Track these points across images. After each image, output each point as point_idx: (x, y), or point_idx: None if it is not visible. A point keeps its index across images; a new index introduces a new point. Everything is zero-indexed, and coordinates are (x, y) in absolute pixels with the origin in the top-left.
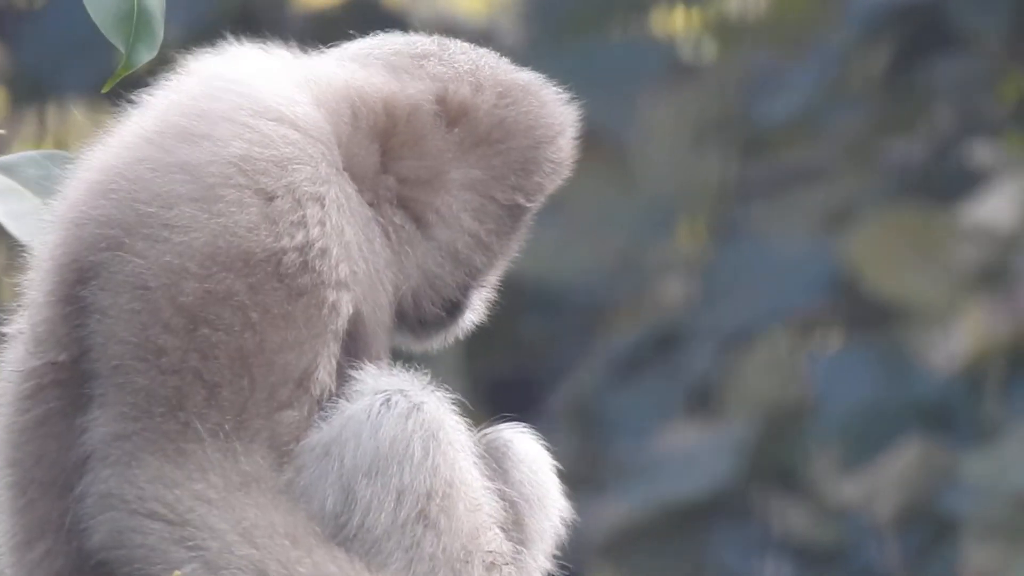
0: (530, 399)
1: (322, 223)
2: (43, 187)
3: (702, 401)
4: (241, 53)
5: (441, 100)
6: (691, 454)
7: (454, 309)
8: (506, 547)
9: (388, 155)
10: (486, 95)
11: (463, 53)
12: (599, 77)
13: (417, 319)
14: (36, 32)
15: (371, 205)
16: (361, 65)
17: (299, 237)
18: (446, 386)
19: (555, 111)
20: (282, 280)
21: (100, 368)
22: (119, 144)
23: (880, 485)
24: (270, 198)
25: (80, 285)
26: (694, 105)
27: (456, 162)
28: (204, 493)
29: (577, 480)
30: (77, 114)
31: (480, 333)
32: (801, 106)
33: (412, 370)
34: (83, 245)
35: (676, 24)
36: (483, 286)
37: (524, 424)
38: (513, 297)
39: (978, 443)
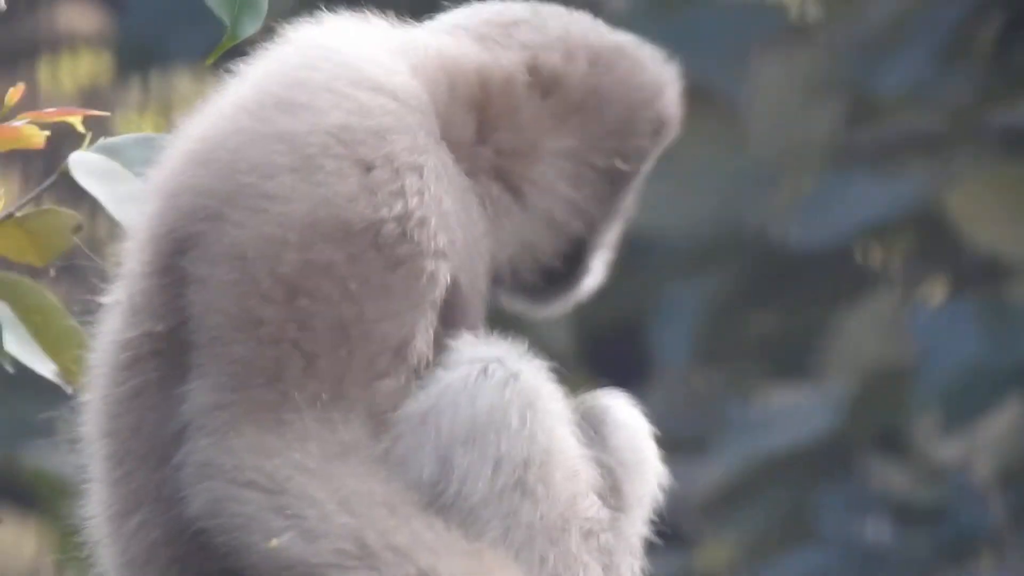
0: (636, 357)
1: (420, 193)
2: (145, 170)
3: (803, 358)
4: (340, 23)
5: (532, 69)
6: (791, 412)
7: (563, 276)
8: (604, 514)
9: (483, 126)
10: (578, 61)
11: (555, 19)
12: (706, 41)
13: (522, 286)
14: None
15: (467, 175)
16: (453, 36)
17: (398, 207)
18: (550, 347)
19: (652, 72)
20: (381, 250)
21: (198, 339)
22: (217, 114)
23: (981, 445)
24: (369, 168)
25: (178, 256)
26: (804, 66)
27: (552, 131)
28: (302, 462)
29: (679, 440)
30: (181, 83)
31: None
32: (912, 75)
33: (514, 335)
34: (181, 215)
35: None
36: (598, 250)
37: (624, 390)
38: (619, 253)
39: None
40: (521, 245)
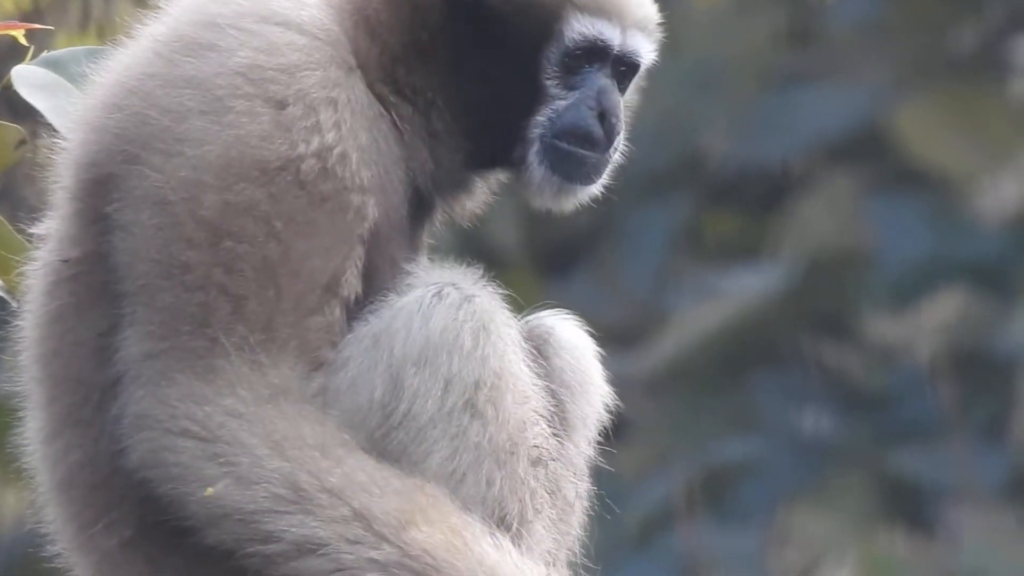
0: (583, 258)
1: (337, 126)
2: (88, 83)
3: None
4: None
5: None
6: (738, 288)
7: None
8: (552, 443)
9: (389, 47)
10: None
11: None
12: None
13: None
14: None
15: (380, 100)
16: None
17: (315, 143)
18: (502, 254)
19: None
20: (304, 187)
21: (128, 287)
22: (135, 53)
23: (924, 328)
24: (281, 106)
25: (98, 196)
26: None
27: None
28: (234, 408)
29: (623, 329)
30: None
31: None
32: (862, 9)
33: (466, 264)
34: (101, 152)
35: None
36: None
37: (566, 303)
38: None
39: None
40: (436, 162)
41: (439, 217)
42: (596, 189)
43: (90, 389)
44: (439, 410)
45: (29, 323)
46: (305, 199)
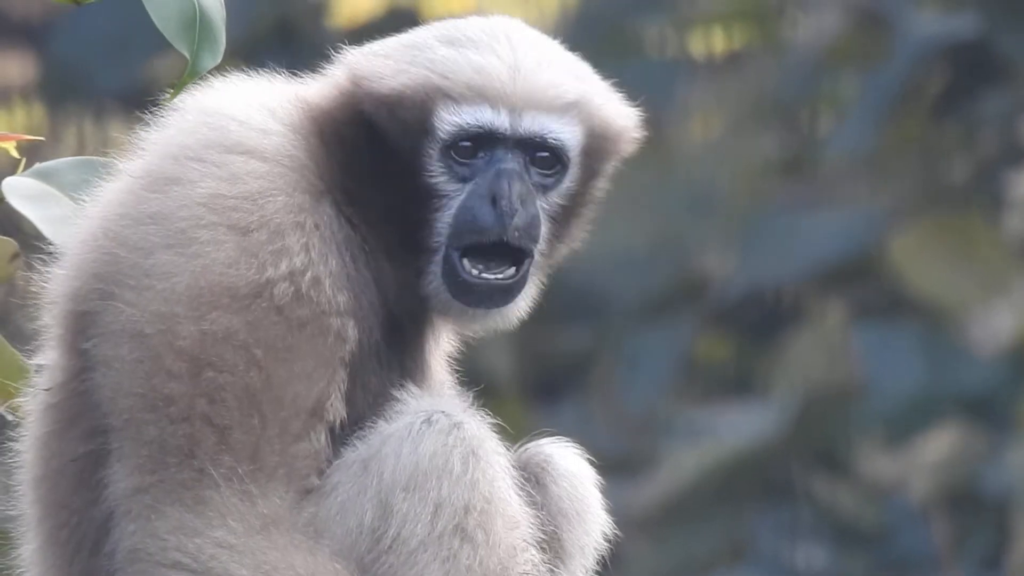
0: (575, 385)
1: (306, 249)
2: (80, 193)
3: (747, 377)
4: (227, 85)
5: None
6: (732, 428)
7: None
8: (543, 570)
9: (346, 169)
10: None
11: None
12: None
13: (439, 307)
14: (67, 36)
15: (349, 221)
16: (328, 79)
17: (283, 266)
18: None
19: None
20: (280, 313)
21: (113, 422)
22: (113, 189)
23: (918, 463)
24: (245, 232)
25: (78, 334)
26: (734, 92)
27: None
28: (225, 539)
29: (622, 458)
30: (114, 124)
31: (529, 320)
32: (856, 139)
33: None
34: (81, 289)
35: (718, 45)
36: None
37: (557, 429)
38: (555, 282)
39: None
40: (399, 279)
41: (439, 332)
42: (517, 310)
43: (70, 512)
44: (429, 534)
45: (24, 448)
46: (283, 325)
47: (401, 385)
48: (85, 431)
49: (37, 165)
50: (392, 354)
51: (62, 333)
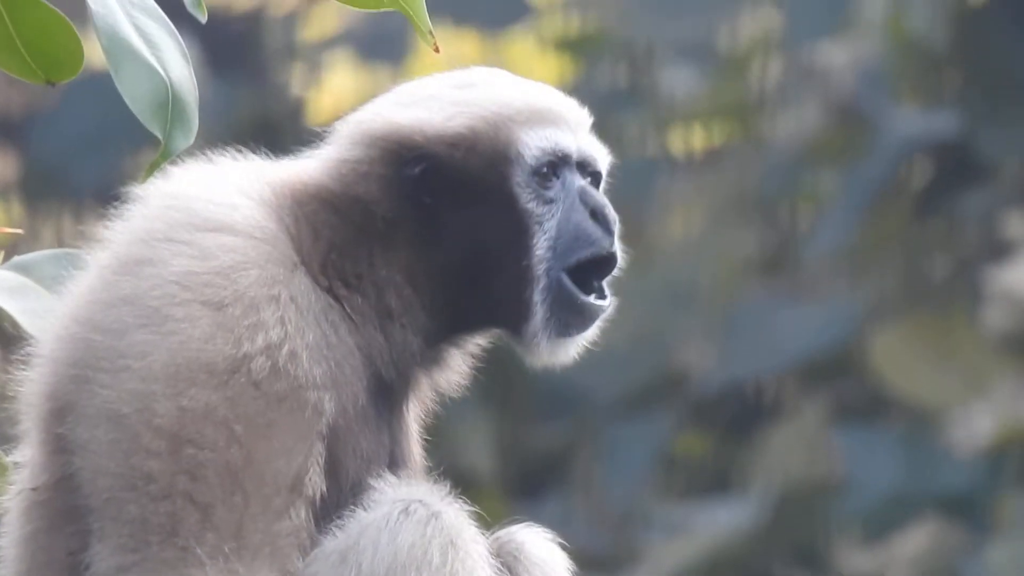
0: (558, 476)
1: (282, 322)
2: (58, 286)
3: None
4: (195, 167)
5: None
6: (711, 523)
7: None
8: None
9: (331, 242)
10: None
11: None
12: (617, 189)
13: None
14: (46, 133)
15: (328, 292)
16: (310, 158)
17: (260, 340)
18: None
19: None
20: (259, 388)
21: (93, 503)
22: (83, 281)
23: (896, 560)
24: (220, 307)
25: (57, 423)
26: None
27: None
28: None
29: (604, 555)
30: (91, 221)
31: (509, 415)
32: (836, 235)
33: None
34: (58, 383)
35: (698, 142)
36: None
37: (538, 524)
38: (535, 377)
39: (995, 530)
40: (391, 344)
41: (424, 390)
42: (591, 333)
43: None
44: None
45: (7, 545)
46: (262, 400)
47: (389, 451)
48: (80, 529)
49: (16, 258)
50: (380, 418)
51: (44, 430)
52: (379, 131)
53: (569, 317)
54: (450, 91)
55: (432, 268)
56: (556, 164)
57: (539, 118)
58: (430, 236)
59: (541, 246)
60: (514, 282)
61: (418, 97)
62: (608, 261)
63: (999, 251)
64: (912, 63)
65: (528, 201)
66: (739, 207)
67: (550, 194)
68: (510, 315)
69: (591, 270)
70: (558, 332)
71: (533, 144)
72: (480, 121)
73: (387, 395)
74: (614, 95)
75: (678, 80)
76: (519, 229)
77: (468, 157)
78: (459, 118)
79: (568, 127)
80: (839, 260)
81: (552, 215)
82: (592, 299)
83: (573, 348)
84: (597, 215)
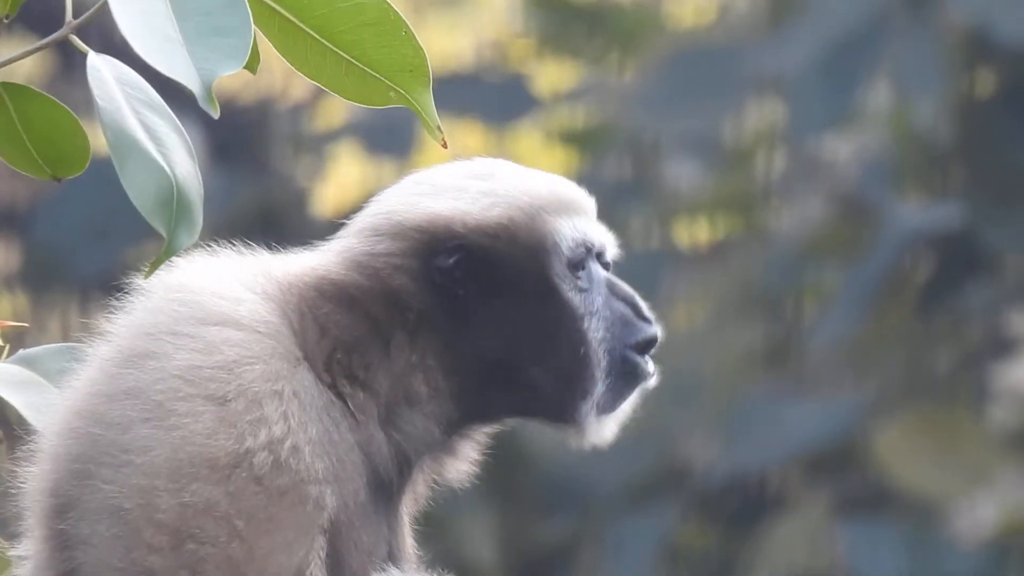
0: (561, 571)
1: (285, 418)
2: (63, 379)
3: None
4: (196, 260)
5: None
6: None
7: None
8: None
9: (335, 337)
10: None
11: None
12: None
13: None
14: (50, 223)
15: (330, 387)
16: (313, 252)
17: (263, 435)
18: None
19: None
20: (260, 483)
21: None
22: (84, 375)
23: None
24: (223, 402)
25: (59, 519)
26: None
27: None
28: None
29: None
30: (96, 313)
31: (511, 505)
32: (840, 328)
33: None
34: (60, 479)
35: (702, 234)
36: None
37: None
38: (539, 471)
39: None
40: (398, 435)
41: (419, 485)
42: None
43: None
44: None
45: None
46: (264, 495)
47: (388, 544)
48: None
49: (21, 351)
50: (379, 512)
51: (46, 527)
52: (414, 221)
53: (626, 390)
54: (473, 182)
55: (460, 357)
56: (582, 256)
57: (566, 208)
58: (460, 326)
59: (597, 329)
60: (567, 368)
61: (442, 188)
62: (654, 343)
63: (1003, 346)
64: (916, 156)
65: (568, 291)
66: (743, 300)
67: (582, 284)
68: (556, 400)
69: (641, 351)
70: (611, 406)
71: (567, 235)
72: (517, 211)
73: (385, 489)
74: (619, 188)
75: (682, 173)
76: (564, 317)
77: (509, 248)
78: (496, 208)
79: (588, 216)
80: (843, 353)
81: (593, 303)
82: (651, 367)
83: (616, 423)
84: (628, 301)
